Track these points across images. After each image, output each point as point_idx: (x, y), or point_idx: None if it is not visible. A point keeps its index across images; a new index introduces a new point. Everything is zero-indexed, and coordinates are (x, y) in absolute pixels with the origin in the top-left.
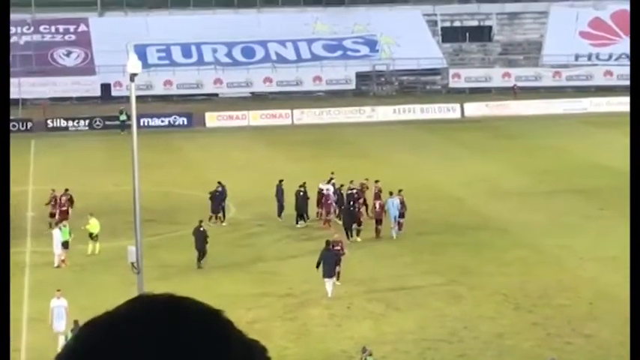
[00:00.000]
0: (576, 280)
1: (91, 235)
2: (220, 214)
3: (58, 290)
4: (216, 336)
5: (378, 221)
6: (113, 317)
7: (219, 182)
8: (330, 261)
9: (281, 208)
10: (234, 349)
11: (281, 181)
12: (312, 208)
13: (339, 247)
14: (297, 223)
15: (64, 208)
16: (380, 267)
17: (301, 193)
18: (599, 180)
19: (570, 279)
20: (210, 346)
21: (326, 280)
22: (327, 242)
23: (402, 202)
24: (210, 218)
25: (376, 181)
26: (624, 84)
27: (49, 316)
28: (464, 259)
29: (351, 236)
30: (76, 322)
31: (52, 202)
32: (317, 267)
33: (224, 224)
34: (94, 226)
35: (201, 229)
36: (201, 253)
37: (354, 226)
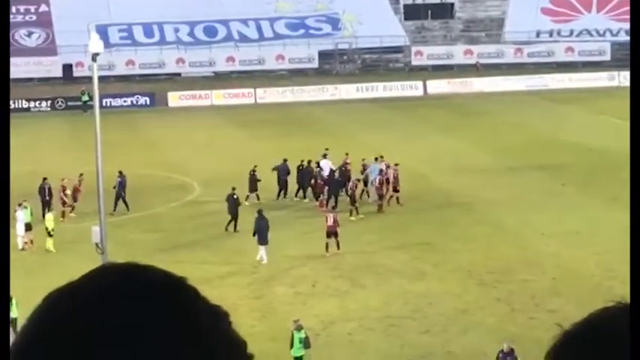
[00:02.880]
0: (540, 256)
1: (47, 230)
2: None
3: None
4: (183, 305)
5: (380, 196)
6: (76, 287)
7: (119, 172)
8: (263, 229)
9: (285, 188)
10: (202, 317)
11: (285, 160)
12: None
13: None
14: (303, 197)
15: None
16: (345, 245)
17: (301, 169)
18: (562, 156)
19: (534, 255)
20: (179, 315)
21: (260, 247)
22: (259, 211)
23: (396, 177)
24: (247, 198)
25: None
26: (585, 60)
27: None
28: (428, 235)
29: (336, 205)
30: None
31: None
32: (253, 235)
33: (114, 214)
34: (50, 221)
35: (235, 196)
36: (234, 218)
37: (347, 204)
